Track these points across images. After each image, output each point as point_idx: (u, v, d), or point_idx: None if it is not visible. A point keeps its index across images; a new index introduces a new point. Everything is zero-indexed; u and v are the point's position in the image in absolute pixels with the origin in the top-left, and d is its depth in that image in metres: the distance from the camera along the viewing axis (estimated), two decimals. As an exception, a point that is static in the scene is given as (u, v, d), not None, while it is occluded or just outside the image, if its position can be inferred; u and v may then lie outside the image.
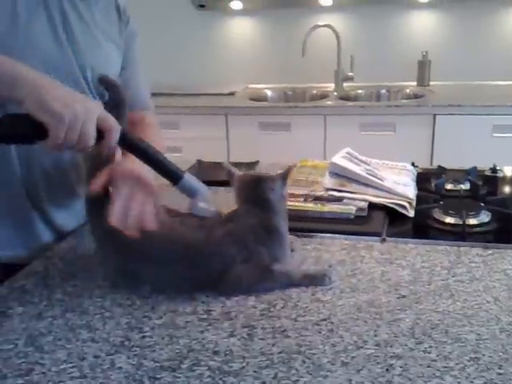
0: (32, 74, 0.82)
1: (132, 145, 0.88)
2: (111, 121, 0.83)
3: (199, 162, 1.59)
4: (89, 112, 0.80)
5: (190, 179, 0.90)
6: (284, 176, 0.95)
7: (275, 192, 0.94)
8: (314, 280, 0.89)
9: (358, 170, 1.23)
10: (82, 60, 1.06)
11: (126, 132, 0.86)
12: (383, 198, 1.15)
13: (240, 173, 1.00)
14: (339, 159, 1.27)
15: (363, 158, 1.33)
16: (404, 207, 1.12)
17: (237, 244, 0.88)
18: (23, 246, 1.05)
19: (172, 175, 0.89)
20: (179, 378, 0.67)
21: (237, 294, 0.86)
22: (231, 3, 3.13)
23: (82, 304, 0.85)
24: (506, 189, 1.31)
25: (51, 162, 1.07)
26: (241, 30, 3.27)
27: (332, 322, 0.77)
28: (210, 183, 1.38)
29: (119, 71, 1.17)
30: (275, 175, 0.95)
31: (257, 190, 0.94)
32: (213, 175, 1.48)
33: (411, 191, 1.18)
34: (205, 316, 0.80)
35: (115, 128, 0.83)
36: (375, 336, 0.74)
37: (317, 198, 1.19)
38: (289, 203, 1.18)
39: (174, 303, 0.84)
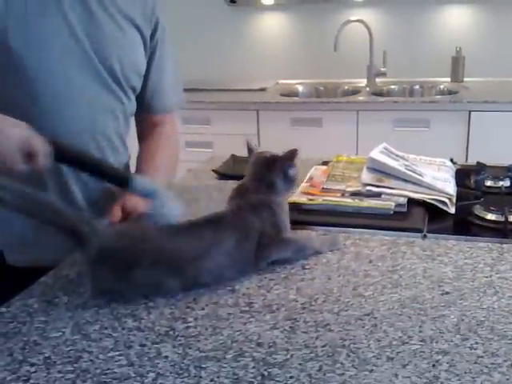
0: None
1: (70, 160, 0.90)
2: (36, 145, 0.85)
3: (233, 156, 1.59)
4: (12, 139, 0.83)
5: (140, 186, 0.90)
6: (291, 157, 0.98)
7: (283, 174, 0.98)
8: (331, 245, 0.99)
9: (397, 165, 1.22)
10: (107, 53, 1.07)
11: (61, 147, 0.88)
12: (422, 193, 1.14)
13: (259, 151, 1.05)
14: (377, 154, 1.26)
15: (400, 154, 1.32)
16: (444, 203, 1.11)
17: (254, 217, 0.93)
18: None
19: (118, 181, 0.90)
20: (224, 367, 0.68)
21: (277, 288, 0.86)
22: (263, -1, 3.14)
23: (125, 295, 0.86)
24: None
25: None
26: (272, 25, 3.27)
27: (375, 317, 0.77)
28: (243, 177, 1.40)
29: (144, 60, 1.17)
30: (285, 156, 0.98)
31: (267, 170, 0.99)
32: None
33: (451, 187, 1.17)
34: (247, 308, 0.81)
35: (41, 151, 0.86)
36: (420, 332, 0.73)
37: (354, 194, 1.18)
38: (325, 198, 1.18)
39: (215, 295, 0.85)
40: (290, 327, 0.76)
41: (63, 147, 0.89)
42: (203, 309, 0.81)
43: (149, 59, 1.18)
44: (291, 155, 0.98)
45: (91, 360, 0.70)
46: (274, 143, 2.42)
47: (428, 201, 1.12)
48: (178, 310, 0.81)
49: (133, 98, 1.17)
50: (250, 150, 1.06)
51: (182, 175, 1.50)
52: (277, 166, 0.98)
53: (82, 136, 1.05)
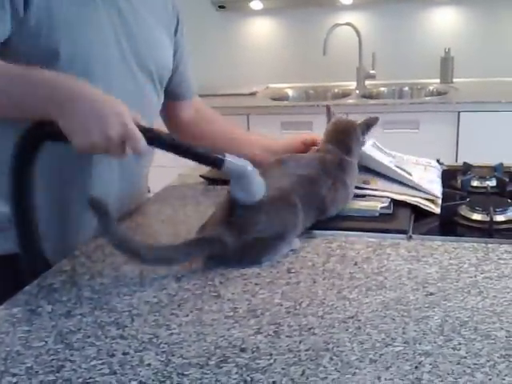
0: (59, 94, 0.86)
1: (166, 145, 0.92)
2: (135, 140, 0.86)
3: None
4: (109, 142, 0.85)
5: (231, 164, 0.91)
6: (368, 125, 1.16)
7: (358, 139, 1.15)
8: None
9: (387, 161, 1.21)
10: (143, 55, 1.11)
11: (157, 135, 0.91)
12: (406, 195, 1.14)
13: (338, 116, 1.21)
14: (370, 149, 1.24)
15: (388, 151, 1.31)
16: (427, 205, 1.11)
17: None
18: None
19: (212, 163, 0.93)
20: (207, 374, 0.67)
21: (262, 292, 0.86)
22: (251, 3, 3.15)
23: (110, 302, 0.85)
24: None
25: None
26: (261, 29, 3.28)
27: (359, 320, 0.77)
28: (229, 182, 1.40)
29: (172, 57, 1.23)
30: (363, 123, 1.16)
31: (344, 135, 1.14)
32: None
33: (437, 188, 1.17)
34: (231, 313, 0.81)
35: (138, 146, 0.87)
36: (403, 333, 0.73)
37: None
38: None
39: (200, 301, 0.84)
40: (274, 332, 0.76)
41: (157, 134, 0.91)
42: (187, 315, 0.81)
43: (174, 52, 1.24)
44: (370, 123, 1.15)
45: (73, 369, 0.70)
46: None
47: (412, 202, 1.12)
48: (161, 317, 0.80)
49: (162, 95, 1.22)
50: (329, 114, 1.21)
51: (173, 180, 1.50)
52: (356, 131, 1.14)
53: None
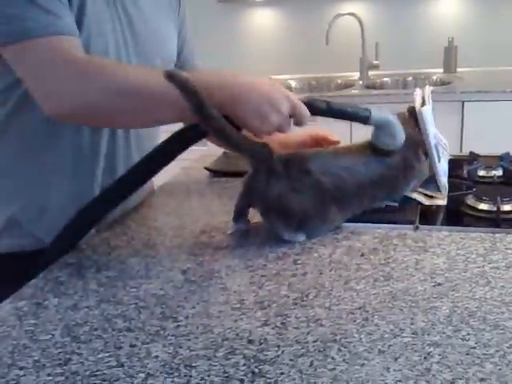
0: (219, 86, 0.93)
1: (322, 110, 1.00)
2: (301, 109, 0.96)
3: (225, 153, 1.58)
4: (282, 117, 0.93)
5: (376, 115, 1.00)
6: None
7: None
8: None
9: (432, 135, 1.11)
10: (149, 51, 1.11)
11: (314, 104, 0.99)
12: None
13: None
14: (429, 113, 1.11)
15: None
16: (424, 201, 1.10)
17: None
18: None
19: (361, 119, 1.01)
20: (215, 366, 0.67)
21: (269, 284, 0.86)
22: (253, -6, 3.13)
23: (117, 294, 0.85)
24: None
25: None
26: (263, 21, 3.26)
27: (367, 311, 0.77)
28: (236, 174, 1.40)
29: (176, 47, 1.24)
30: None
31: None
32: (239, 166, 1.48)
33: (445, 181, 1.14)
34: (238, 305, 0.80)
35: (306, 115, 0.96)
36: (412, 324, 0.73)
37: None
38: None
39: (206, 293, 0.84)
40: (282, 323, 0.75)
41: (314, 103, 0.99)
42: (194, 307, 0.80)
43: (178, 34, 1.25)
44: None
45: (81, 362, 0.69)
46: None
47: (414, 197, 1.11)
48: (168, 309, 0.80)
49: None
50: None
51: (177, 173, 1.50)
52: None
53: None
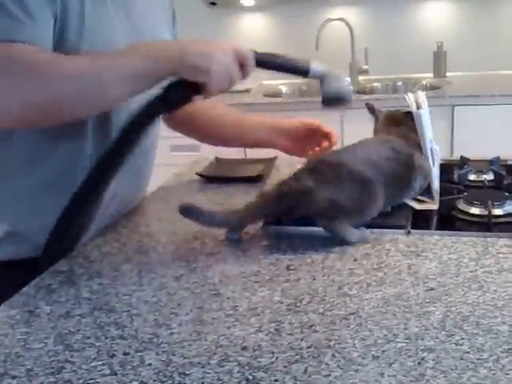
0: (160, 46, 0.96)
1: (264, 62, 1.03)
2: (244, 51, 0.97)
3: (217, 159, 1.58)
4: (227, 55, 0.94)
5: (314, 69, 1.05)
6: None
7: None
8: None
9: (429, 139, 1.14)
10: None
11: (258, 53, 1.01)
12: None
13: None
14: (426, 116, 1.14)
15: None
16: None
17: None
18: None
19: (301, 71, 1.05)
20: (209, 373, 0.67)
21: (262, 290, 0.86)
22: (242, 0, 3.13)
23: (109, 302, 0.85)
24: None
25: None
26: (253, 26, 3.27)
27: (360, 316, 0.77)
28: (227, 180, 1.40)
29: None
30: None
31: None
32: (231, 172, 1.48)
33: (437, 185, 1.15)
34: (231, 312, 0.80)
35: (250, 56, 0.98)
36: (405, 329, 0.73)
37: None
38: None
39: (200, 300, 0.84)
40: (275, 329, 0.75)
41: (258, 53, 1.02)
42: (187, 314, 0.80)
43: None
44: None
45: (74, 370, 0.69)
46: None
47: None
48: (161, 317, 0.80)
49: None
50: (374, 112, 1.23)
51: (169, 179, 1.49)
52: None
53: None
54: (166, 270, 0.94)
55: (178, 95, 0.96)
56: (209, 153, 1.65)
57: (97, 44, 0.98)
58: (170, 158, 2.45)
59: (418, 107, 1.10)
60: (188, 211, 1.01)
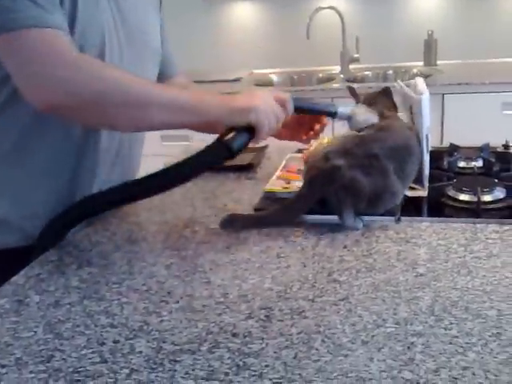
0: (205, 94, 1.02)
1: (300, 106, 1.08)
2: (283, 95, 1.03)
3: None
4: (269, 96, 1.00)
5: (342, 110, 1.12)
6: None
7: None
8: None
9: (426, 126, 1.12)
10: (138, 45, 1.11)
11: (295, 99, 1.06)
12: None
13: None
14: (426, 101, 1.12)
15: None
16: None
17: None
18: None
19: (330, 114, 1.13)
20: (199, 360, 0.67)
21: (252, 277, 0.86)
22: (233, -12, 3.11)
23: (99, 291, 0.85)
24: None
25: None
26: (244, 14, 3.25)
27: (350, 302, 0.77)
28: (218, 169, 1.40)
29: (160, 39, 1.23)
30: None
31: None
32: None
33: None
34: (222, 299, 0.80)
35: (289, 99, 1.04)
36: (394, 314, 0.73)
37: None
38: (298, 183, 1.17)
39: (190, 288, 0.84)
40: (266, 316, 0.75)
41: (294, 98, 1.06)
42: (178, 302, 0.80)
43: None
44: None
45: (63, 359, 0.69)
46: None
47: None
48: (151, 305, 0.80)
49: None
50: (356, 96, 1.20)
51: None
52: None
53: None
54: (156, 258, 0.94)
55: (238, 140, 0.97)
56: (199, 142, 1.64)
57: (88, 28, 0.98)
58: (160, 147, 2.44)
59: (418, 93, 1.10)
60: (230, 223, 1.03)
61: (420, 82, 1.13)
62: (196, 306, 0.79)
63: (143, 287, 0.85)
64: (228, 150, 0.97)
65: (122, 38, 1.07)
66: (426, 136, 1.10)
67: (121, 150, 1.14)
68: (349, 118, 1.12)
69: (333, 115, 1.13)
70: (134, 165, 1.25)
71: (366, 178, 0.98)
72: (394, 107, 1.15)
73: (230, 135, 0.97)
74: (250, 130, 0.98)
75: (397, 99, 1.16)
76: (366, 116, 1.11)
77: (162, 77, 1.29)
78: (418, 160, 1.06)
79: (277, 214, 1.04)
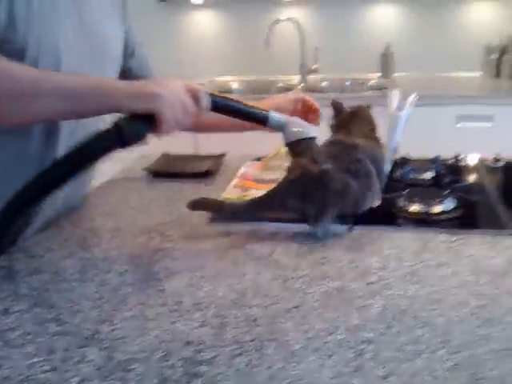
0: (111, 83, 0.94)
1: (220, 105, 0.98)
2: (196, 87, 0.95)
3: (164, 155, 1.57)
4: (178, 85, 0.92)
5: (274, 117, 1.03)
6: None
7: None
8: None
9: (396, 140, 1.19)
10: (99, 51, 1.11)
11: (210, 95, 0.96)
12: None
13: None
14: (404, 118, 1.19)
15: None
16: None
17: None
18: None
19: (259, 120, 1.03)
20: (152, 369, 0.66)
21: (207, 285, 0.86)
22: (192, -4, 3.12)
23: (50, 298, 0.83)
24: (470, 176, 1.34)
25: None
26: (205, 23, 3.26)
27: (303, 310, 0.78)
28: (175, 175, 1.39)
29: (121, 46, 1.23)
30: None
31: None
32: (180, 167, 1.47)
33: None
34: (175, 307, 0.80)
35: (203, 91, 0.94)
36: (346, 322, 0.75)
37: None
38: (255, 191, 1.18)
39: (144, 295, 0.83)
40: (219, 324, 0.75)
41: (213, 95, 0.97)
42: (131, 310, 0.79)
43: (127, 37, 1.26)
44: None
45: (12, 367, 0.67)
46: (212, 141, 2.42)
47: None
48: (104, 313, 0.79)
49: None
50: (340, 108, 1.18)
51: (116, 173, 1.47)
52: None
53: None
54: (110, 265, 0.93)
55: (133, 128, 0.89)
56: (156, 148, 1.64)
57: (44, 34, 0.97)
58: (118, 152, 2.41)
59: (400, 108, 1.12)
60: (199, 205, 1.04)
61: (410, 97, 1.16)
62: (149, 314, 0.78)
63: (95, 295, 0.84)
64: (119, 137, 0.88)
65: (81, 45, 1.06)
66: (394, 149, 1.13)
67: None
68: (282, 128, 1.04)
69: (263, 121, 1.03)
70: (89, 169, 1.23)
71: (354, 181, 0.99)
72: (372, 126, 1.14)
73: (126, 121, 0.89)
74: (151, 119, 0.89)
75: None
76: (302, 127, 1.05)
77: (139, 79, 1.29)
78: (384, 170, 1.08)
79: (250, 206, 1.03)
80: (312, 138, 1.04)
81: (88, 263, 0.94)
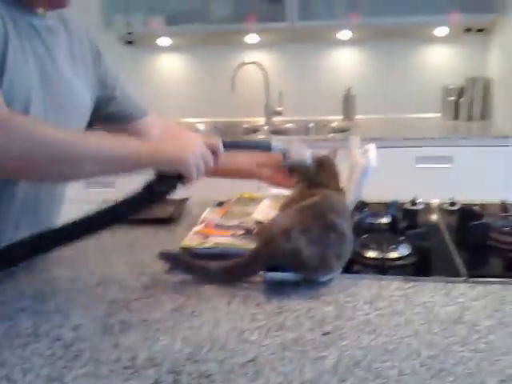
0: (136, 144, 1.02)
1: (231, 146, 1.12)
2: (214, 142, 1.06)
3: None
4: (199, 144, 1.03)
5: (276, 145, 1.17)
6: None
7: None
8: None
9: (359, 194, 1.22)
10: (64, 103, 1.13)
11: (225, 142, 1.09)
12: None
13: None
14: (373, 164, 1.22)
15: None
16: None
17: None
18: None
19: (264, 148, 1.19)
20: (102, 430, 0.65)
21: (163, 339, 0.85)
22: (158, 40, 3.16)
23: (1, 355, 0.81)
24: (426, 221, 1.37)
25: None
26: (171, 65, 3.30)
27: (258, 363, 0.78)
28: (138, 221, 1.38)
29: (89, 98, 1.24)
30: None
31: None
32: (141, 212, 1.46)
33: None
34: (129, 363, 0.79)
35: (219, 144, 1.06)
36: (300, 375, 0.75)
37: (247, 232, 1.20)
38: (217, 241, 1.18)
39: (97, 351, 0.82)
40: (173, 380, 0.75)
41: (225, 142, 1.09)
42: (83, 367, 0.78)
43: (104, 83, 1.29)
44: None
45: (-44, 433, 0.65)
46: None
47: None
48: (55, 371, 0.77)
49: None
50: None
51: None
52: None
53: None
54: (64, 319, 0.91)
55: (165, 185, 1.02)
56: (123, 190, 1.63)
57: (16, 85, 0.98)
58: (85, 194, 2.39)
59: (367, 159, 1.16)
60: (172, 259, 1.08)
61: (372, 149, 1.20)
62: (102, 371, 0.77)
63: (48, 351, 0.82)
64: (153, 194, 1.01)
65: (47, 96, 1.07)
66: (358, 198, 1.17)
67: (36, 197, 1.13)
68: (283, 153, 1.18)
69: (268, 149, 1.18)
70: (53, 212, 1.23)
71: (327, 249, 1.00)
72: (336, 178, 1.19)
73: (157, 180, 1.01)
74: (179, 176, 1.01)
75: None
76: (301, 152, 1.17)
77: (131, 119, 1.33)
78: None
79: (220, 274, 1.04)
80: (308, 162, 1.17)
81: (42, 317, 0.92)
